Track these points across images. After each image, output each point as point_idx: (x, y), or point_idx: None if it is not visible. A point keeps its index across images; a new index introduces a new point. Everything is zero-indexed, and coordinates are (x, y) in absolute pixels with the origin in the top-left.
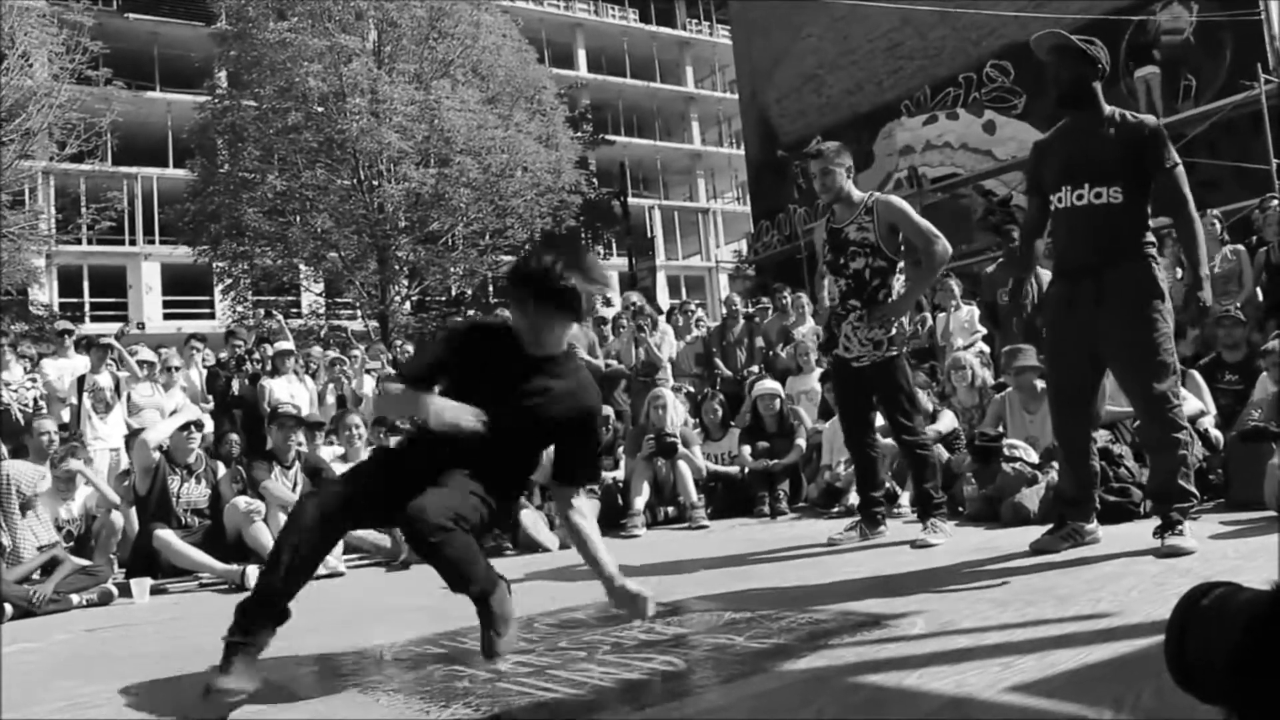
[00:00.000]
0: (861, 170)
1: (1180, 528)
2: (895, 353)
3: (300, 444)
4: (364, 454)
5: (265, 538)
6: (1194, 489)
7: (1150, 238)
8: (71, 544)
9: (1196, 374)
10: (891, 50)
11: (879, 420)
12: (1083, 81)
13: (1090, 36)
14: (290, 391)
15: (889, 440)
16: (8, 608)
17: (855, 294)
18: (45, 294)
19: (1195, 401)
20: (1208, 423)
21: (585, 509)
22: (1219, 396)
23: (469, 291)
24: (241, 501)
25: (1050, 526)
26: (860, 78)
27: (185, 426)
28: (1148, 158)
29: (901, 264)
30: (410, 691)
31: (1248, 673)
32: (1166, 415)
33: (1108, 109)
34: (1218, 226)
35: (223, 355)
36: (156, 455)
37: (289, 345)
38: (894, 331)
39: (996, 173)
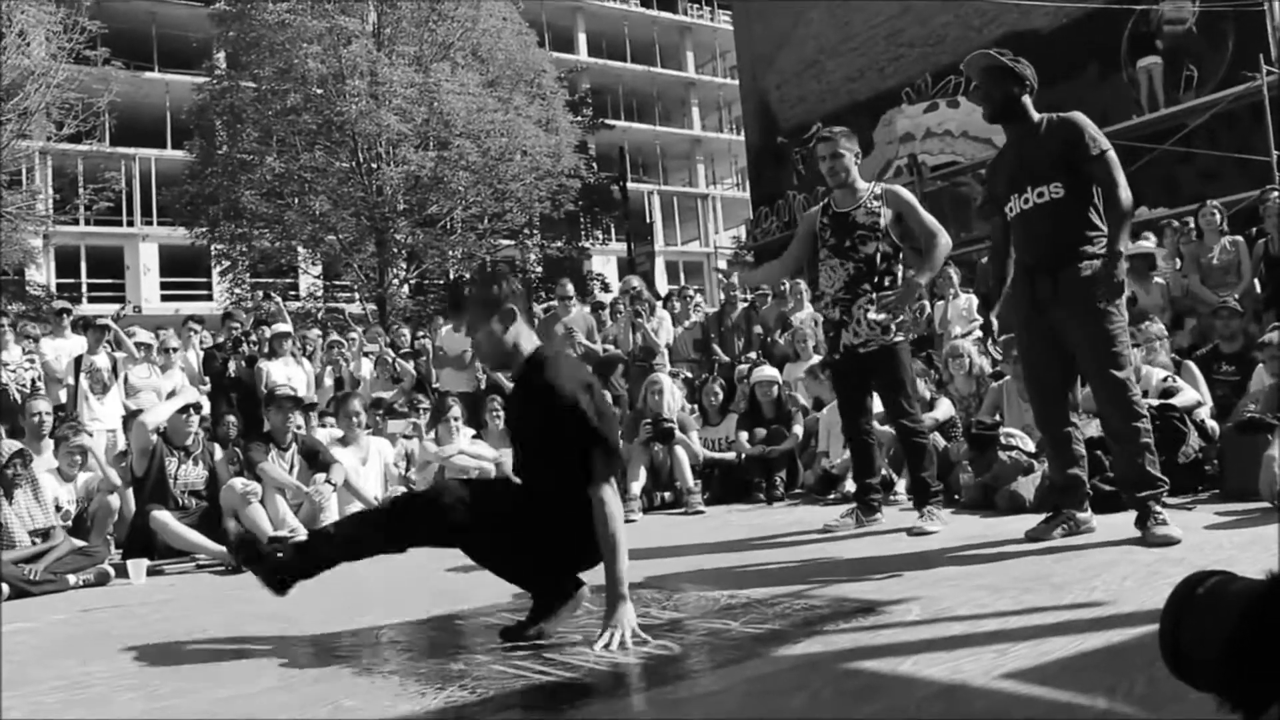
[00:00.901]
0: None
1: (1159, 515)
2: (901, 338)
3: (298, 426)
4: (363, 437)
5: (262, 519)
6: (1160, 474)
7: (1103, 229)
8: (68, 524)
9: (1193, 365)
10: (893, 37)
11: (877, 407)
12: (1011, 98)
13: (1018, 56)
14: (287, 374)
15: (886, 427)
16: (4, 588)
17: (866, 278)
18: (42, 274)
19: (1191, 392)
20: (1204, 413)
21: None
22: (1215, 387)
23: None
24: (238, 483)
25: (1046, 515)
26: (861, 64)
27: (184, 409)
28: (1074, 154)
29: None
30: (407, 673)
31: (1243, 660)
32: (1127, 403)
33: (1037, 116)
34: (1218, 217)
35: (220, 337)
36: (154, 437)
37: (286, 327)
38: (901, 318)
39: None
